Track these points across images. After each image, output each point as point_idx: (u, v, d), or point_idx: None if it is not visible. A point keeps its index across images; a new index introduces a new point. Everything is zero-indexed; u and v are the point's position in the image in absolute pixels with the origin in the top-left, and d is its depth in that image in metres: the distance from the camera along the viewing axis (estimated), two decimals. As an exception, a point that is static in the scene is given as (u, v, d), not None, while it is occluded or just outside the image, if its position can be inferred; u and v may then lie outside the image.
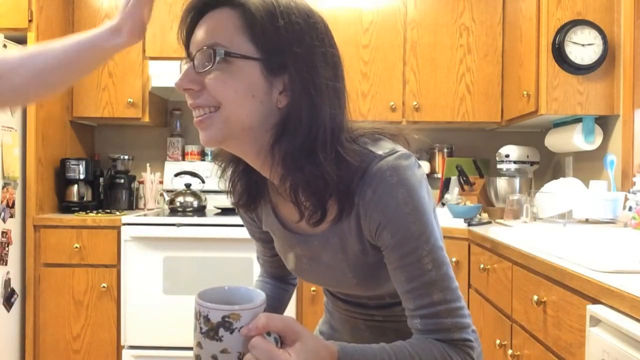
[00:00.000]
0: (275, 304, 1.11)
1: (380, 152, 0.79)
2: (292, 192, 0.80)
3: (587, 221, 2.21)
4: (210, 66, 0.75)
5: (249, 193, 0.92)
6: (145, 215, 2.73)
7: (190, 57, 0.79)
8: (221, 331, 0.64)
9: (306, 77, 0.76)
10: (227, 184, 0.93)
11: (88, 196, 2.90)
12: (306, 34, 0.77)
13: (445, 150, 3.10)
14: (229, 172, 0.92)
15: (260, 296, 0.69)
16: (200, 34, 0.78)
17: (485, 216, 2.63)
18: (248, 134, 0.78)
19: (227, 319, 0.64)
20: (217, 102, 0.76)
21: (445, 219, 2.52)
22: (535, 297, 1.47)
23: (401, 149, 0.81)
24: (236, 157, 0.87)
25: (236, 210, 1.01)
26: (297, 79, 0.76)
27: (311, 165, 0.77)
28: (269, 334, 0.66)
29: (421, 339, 0.79)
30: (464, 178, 2.82)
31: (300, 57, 0.76)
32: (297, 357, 0.65)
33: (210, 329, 0.64)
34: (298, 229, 0.90)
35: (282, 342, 0.67)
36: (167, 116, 3.26)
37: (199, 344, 0.65)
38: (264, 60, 0.76)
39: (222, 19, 0.77)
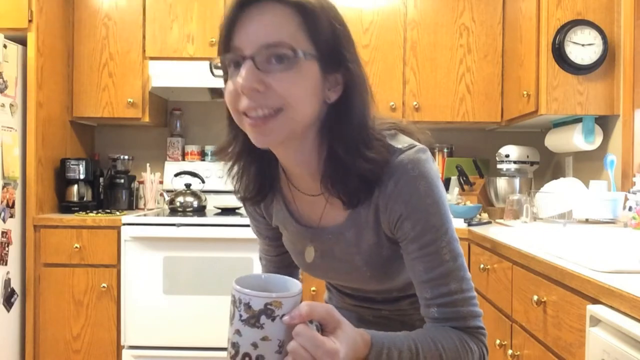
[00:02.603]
0: None
1: (399, 146, 0.82)
2: (336, 184, 0.81)
3: (587, 221, 2.21)
4: (281, 65, 0.73)
5: (261, 187, 0.91)
6: (145, 215, 2.73)
7: (239, 53, 0.74)
8: (263, 318, 0.63)
9: (359, 73, 0.79)
10: (234, 180, 0.92)
11: (88, 196, 2.89)
12: (348, 32, 0.81)
13: (445, 150, 3.11)
14: (235, 169, 0.90)
15: (297, 285, 0.69)
16: (257, 30, 0.74)
17: (485, 216, 2.63)
18: (304, 132, 0.79)
19: (269, 307, 0.63)
20: (283, 103, 0.74)
21: (445, 219, 2.51)
22: (535, 297, 1.47)
23: (418, 143, 0.84)
24: (245, 152, 0.87)
25: (244, 208, 1.01)
26: (353, 75, 0.79)
27: (368, 153, 0.79)
28: (310, 321, 0.66)
29: (438, 327, 0.81)
30: (464, 178, 2.82)
31: (352, 53, 0.79)
32: (340, 344, 0.65)
33: (252, 316, 0.63)
34: (312, 223, 0.91)
35: (322, 329, 0.67)
36: (167, 116, 3.26)
37: (237, 332, 0.65)
38: (322, 58, 0.76)
39: (281, 15, 0.75)
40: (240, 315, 0.64)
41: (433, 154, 3.41)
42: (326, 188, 0.83)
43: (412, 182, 0.79)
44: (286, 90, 0.73)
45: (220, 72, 0.80)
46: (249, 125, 0.76)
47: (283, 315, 0.64)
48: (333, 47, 0.77)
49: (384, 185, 0.81)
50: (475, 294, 0.83)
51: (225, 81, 0.79)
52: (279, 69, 0.73)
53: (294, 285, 0.69)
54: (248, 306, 0.64)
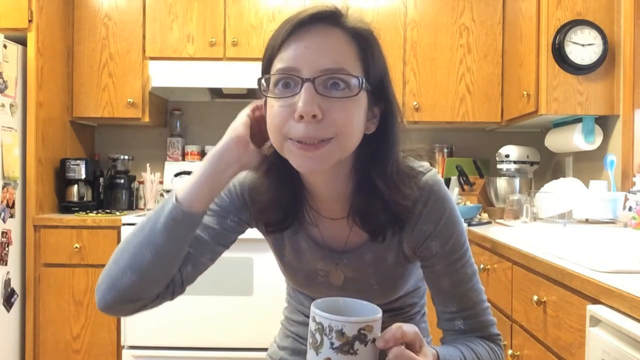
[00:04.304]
0: None
1: (421, 169, 0.84)
2: (365, 219, 0.81)
3: (587, 221, 2.21)
4: (339, 91, 0.72)
5: (287, 211, 0.87)
6: (145, 215, 2.72)
7: (294, 74, 0.72)
8: (356, 344, 0.63)
9: (397, 106, 0.80)
10: (259, 211, 0.88)
11: (88, 196, 2.89)
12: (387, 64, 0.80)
13: (445, 150, 3.10)
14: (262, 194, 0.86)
15: (373, 306, 0.69)
16: (317, 53, 0.72)
17: (485, 216, 2.63)
18: (344, 160, 0.77)
19: (362, 332, 0.63)
20: (336, 132, 0.72)
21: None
22: (535, 297, 1.47)
23: (431, 166, 0.86)
24: (276, 177, 0.84)
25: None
26: (393, 108, 0.79)
27: (405, 189, 0.80)
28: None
29: (470, 338, 0.84)
30: (464, 178, 2.82)
31: (392, 86, 0.80)
32: None
33: (345, 343, 0.62)
34: (335, 246, 0.89)
35: (408, 348, 0.67)
36: (167, 116, 3.26)
37: None
38: (371, 90, 0.76)
39: (341, 41, 0.73)
40: (332, 343, 0.63)
41: (433, 154, 3.37)
42: (354, 221, 0.82)
43: (440, 202, 0.82)
44: (343, 119, 0.72)
45: (274, 93, 0.74)
46: (297, 149, 0.72)
47: (374, 340, 0.64)
48: (381, 79, 0.77)
49: (412, 206, 0.81)
50: (488, 303, 0.88)
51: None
52: (338, 95, 0.71)
53: (368, 307, 0.69)
54: (341, 333, 0.62)
